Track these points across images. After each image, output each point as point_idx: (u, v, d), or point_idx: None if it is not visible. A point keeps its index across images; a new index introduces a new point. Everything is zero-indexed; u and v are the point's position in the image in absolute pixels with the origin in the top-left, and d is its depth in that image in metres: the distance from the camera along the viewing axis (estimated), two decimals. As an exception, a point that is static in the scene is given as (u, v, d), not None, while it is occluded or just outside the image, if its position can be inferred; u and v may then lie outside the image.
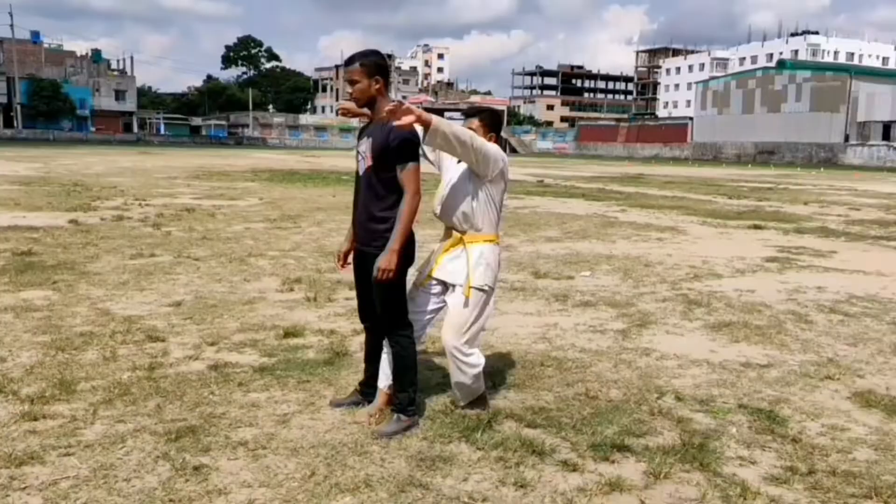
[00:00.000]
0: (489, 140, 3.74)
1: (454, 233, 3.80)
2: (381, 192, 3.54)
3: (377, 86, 3.53)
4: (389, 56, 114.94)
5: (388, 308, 3.63)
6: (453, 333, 3.72)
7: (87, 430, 3.52)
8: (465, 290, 3.69)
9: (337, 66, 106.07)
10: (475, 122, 3.80)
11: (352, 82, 3.54)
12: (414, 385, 3.70)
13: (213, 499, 2.91)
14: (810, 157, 65.35)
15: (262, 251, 9.06)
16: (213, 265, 8.03)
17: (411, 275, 3.77)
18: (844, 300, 7.05)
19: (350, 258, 3.86)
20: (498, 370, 4.58)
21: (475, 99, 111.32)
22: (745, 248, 10.61)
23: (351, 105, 3.71)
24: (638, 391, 4.31)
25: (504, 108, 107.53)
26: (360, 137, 3.70)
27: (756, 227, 13.38)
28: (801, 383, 4.56)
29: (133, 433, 3.50)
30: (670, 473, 3.24)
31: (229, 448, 3.37)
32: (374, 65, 3.53)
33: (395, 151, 3.45)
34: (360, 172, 3.64)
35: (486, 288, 3.75)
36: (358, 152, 3.67)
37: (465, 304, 3.70)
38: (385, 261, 3.45)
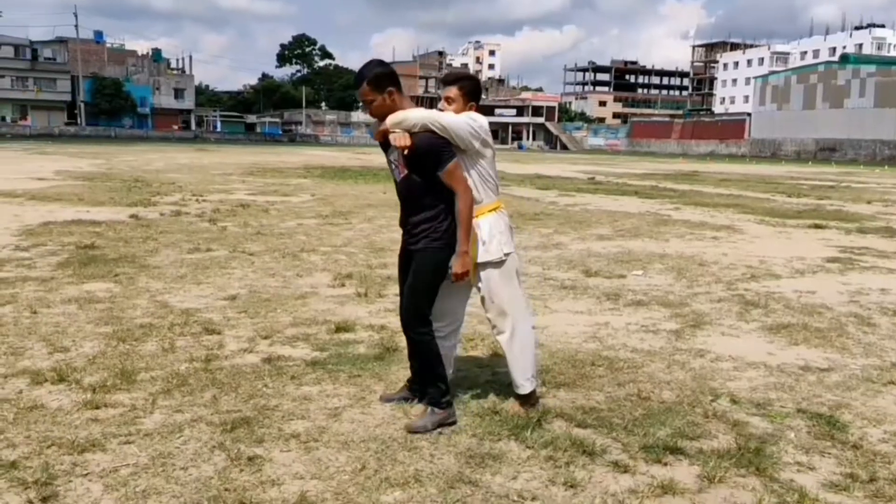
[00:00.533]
0: (469, 109, 3.69)
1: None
2: (421, 196, 3.57)
3: (391, 96, 3.52)
4: (440, 53, 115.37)
5: (413, 304, 3.64)
6: (499, 314, 3.70)
7: (146, 420, 3.62)
8: (473, 270, 3.62)
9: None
10: (454, 90, 3.71)
11: (367, 102, 3.53)
12: (443, 378, 3.69)
13: (267, 489, 2.96)
14: (874, 155, 63.14)
15: (315, 247, 9.18)
16: (267, 260, 8.17)
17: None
18: (910, 303, 6.79)
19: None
20: (548, 369, 4.55)
21: (526, 95, 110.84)
22: (805, 247, 10.32)
23: (384, 127, 3.60)
24: (691, 393, 4.23)
25: (555, 104, 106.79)
26: (386, 146, 3.67)
27: (816, 226, 12.99)
28: (862, 388, 4.41)
29: (190, 423, 3.59)
30: (725, 478, 3.17)
31: (282, 440, 3.43)
32: (380, 77, 3.50)
33: (428, 157, 3.47)
34: (397, 179, 3.66)
35: (505, 256, 3.70)
36: (390, 161, 3.69)
37: (498, 282, 3.68)
38: (458, 265, 3.50)
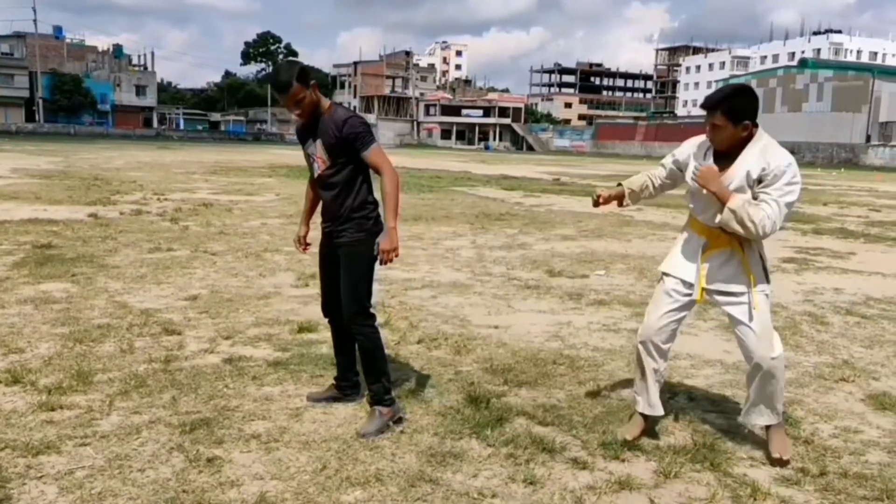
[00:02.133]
0: (743, 131, 3.24)
1: (712, 231, 3.39)
2: (348, 185, 3.55)
3: (315, 90, 3.49)
4: (408, 53, 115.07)
5: (353, 298, 3.60)
6: (767, 346, 3.36)
7: (103, 421, 3.57)
8: (754, 296, 3.34)
9: (355, 63, 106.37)
10: (719, 118, 3.21)
11: (300, 101, 3.45)
12: (385, 374, 3.68)
13: (226, 490, 2.95)
14: (831, 158, 64.63)
15: (278, 246, 9.12)
16: (230, 260, 8.09)
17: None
18: (861, 302, 6.99)
19: (308, 239, 3.94)
20: (510, 367, 4.60)
21: (493, 96, 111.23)
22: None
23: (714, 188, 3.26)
24: (650, 390, 4.29)
25: (521, 105, 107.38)
26: (303, 139, 3.65)
27: (774, 227, 13.24)
28: (815, 385, 4.53)
29: (148, 424, 3.54)
30: (680, 473, 3.24)
31: (242, 441, 3.41)
32: (305, 71, 3.46)
33: (353, 140, 3.45)
34: (316, 173, 3.63)
35: (769, 289, 3.44)
36: (307, 154, 3.66)
37: (761, 311, 3.35)
38: (387, 241, 3.42)
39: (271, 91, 3.71)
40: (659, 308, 3.57)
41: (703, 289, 3.46)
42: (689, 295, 3.51)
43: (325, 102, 3.57)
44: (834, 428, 3.86)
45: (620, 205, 3.92)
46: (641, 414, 3.64)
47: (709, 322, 6.00)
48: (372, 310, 3.70)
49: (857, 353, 5.27)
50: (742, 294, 3.38)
